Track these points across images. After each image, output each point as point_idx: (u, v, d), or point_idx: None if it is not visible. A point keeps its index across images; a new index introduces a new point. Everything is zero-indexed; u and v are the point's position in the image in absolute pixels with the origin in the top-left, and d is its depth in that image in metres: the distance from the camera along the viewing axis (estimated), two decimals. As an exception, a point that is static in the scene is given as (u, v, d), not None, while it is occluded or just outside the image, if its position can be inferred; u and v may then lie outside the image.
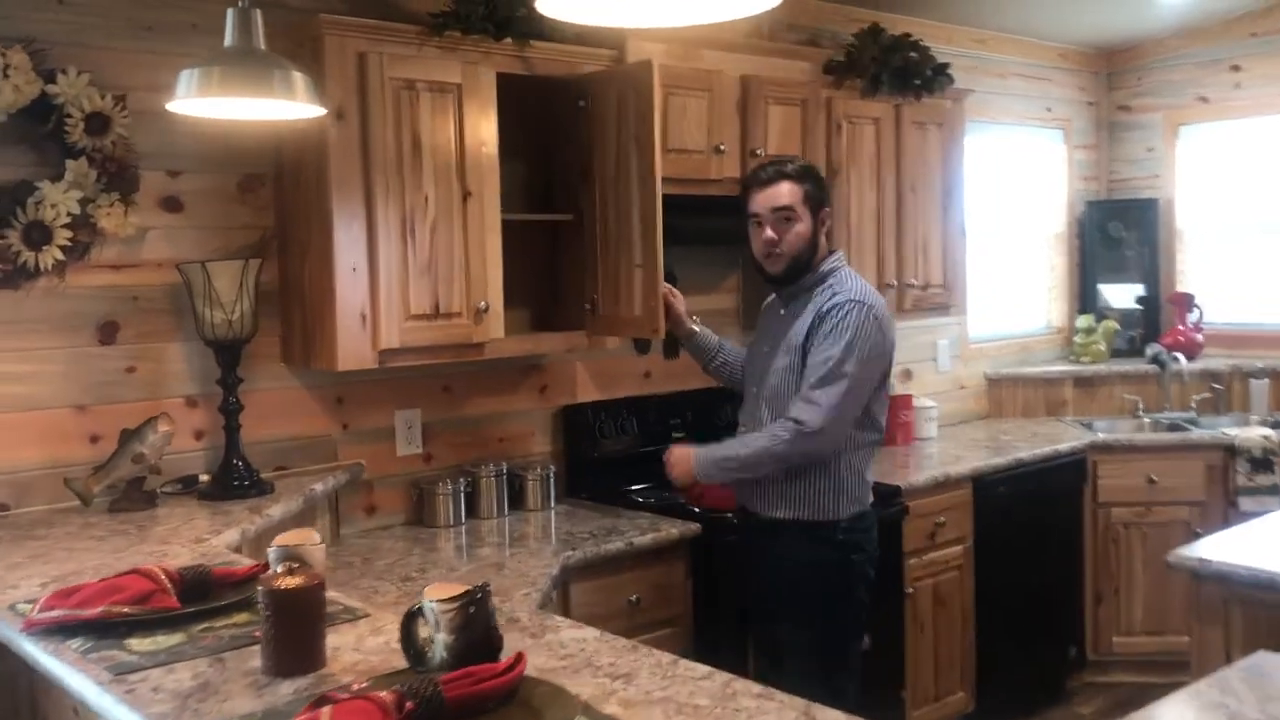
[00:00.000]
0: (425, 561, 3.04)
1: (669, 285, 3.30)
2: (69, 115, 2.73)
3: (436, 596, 1.53)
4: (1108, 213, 5.80)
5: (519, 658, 1.50)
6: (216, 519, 2.67)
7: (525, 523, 3.48)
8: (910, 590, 3.96)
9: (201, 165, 3.05)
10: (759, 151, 3.75)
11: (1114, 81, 5.89)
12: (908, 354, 4.98)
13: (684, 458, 3.05)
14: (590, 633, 2.37)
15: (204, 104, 2.13)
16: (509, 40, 3.20)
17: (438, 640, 1.53)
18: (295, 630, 1.61)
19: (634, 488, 3.76)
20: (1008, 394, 5.38)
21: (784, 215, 2.93)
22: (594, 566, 3.12)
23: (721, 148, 3.65)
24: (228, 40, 2.12)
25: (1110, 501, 4.71)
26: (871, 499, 3.07)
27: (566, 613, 3.06)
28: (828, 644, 2.96)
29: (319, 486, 3.07)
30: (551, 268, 3.70)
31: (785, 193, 2.93)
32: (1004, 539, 4.32)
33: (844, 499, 2.95)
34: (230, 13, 2.12)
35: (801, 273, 2.97)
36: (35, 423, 2.84)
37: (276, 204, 3.18)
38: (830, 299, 2.89)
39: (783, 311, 3.04)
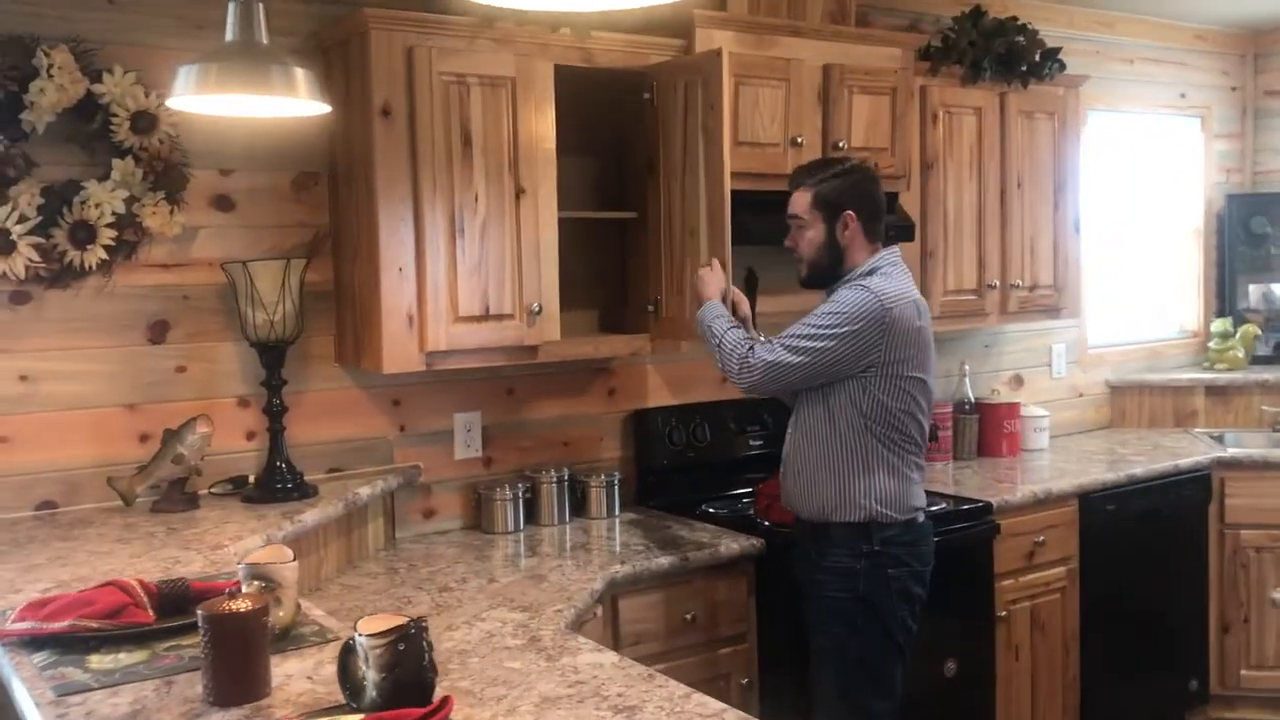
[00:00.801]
0: (470, 570, 2.95)
1: (736, 289, 3.15)
2: (114, 114, 2.73)
3: (367, 631, 1.41)
4: (1251, 207, 5.35)
5: (445, 702, 1.37)
6: (249, 523, 2.63)
7: (585, 532, 3.36)
8: (1003, 614, 3.69)
9: (254, 164, 3.03)
10: (841, 144, 3.53)
11: (1260, 64, 5.43)
12: (1017, 359, 4.68)
13: (712, 287, 2.96)
14: (609, 657, 2.24)
15: (202, 101, 2.06)
16: (566, 31, 3.07)
17: (368, 677, 1.41)
18: (234, 657, 1.52)
19: (706, 498, 3.61)
20: (1131, 403, 5.01)
21: (797, 223, 2.86)
22: (644, 581, 2.98)
23: (799, 140, 3.45)
24: (228, 34, 2.05)
25: (1240, 523, 4.32)
26: (921, 509, 2.89)
27: (615, 629, 2.94)
28: (853, 659, 2.81)
29: (365, 491, 3.00)
30: (621, 267, 3.57)
31: (795, 200, 2.87)
32: (1115, 561, 4.01)
33: (877, 498, 2.78)
34: (231, 6, 2.05)
35: (827, 278, 2.86)
36: (85, 421, 2.85)
37: (331, 202, 3.14)
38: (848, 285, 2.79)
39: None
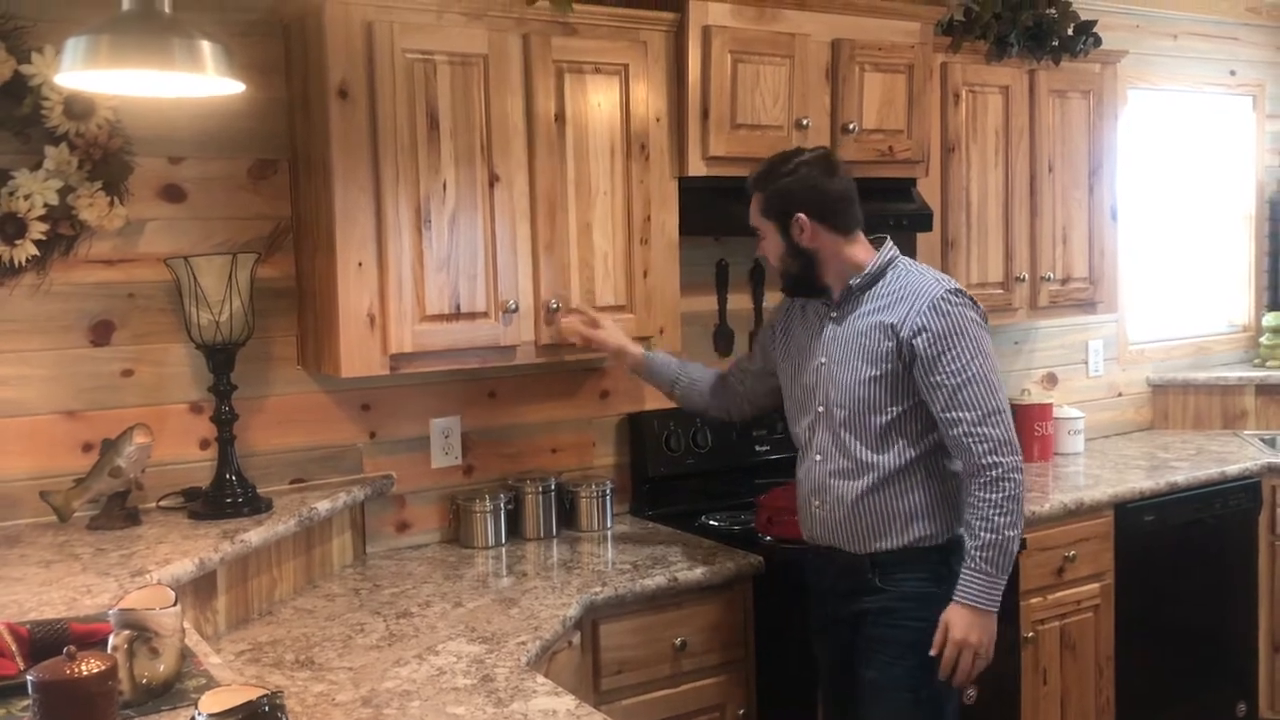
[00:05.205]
0: (436, 592, 2.71)
1: (584, 309, 2.88)
2: (46, 98, 2.51)
3: (209, 709, 1.17)
4: (1307, 192, 4.98)
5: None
6: (184, 544, 2.41)
7: (571, 547, 3.11)
8: (1029, 634, 3.41)
9: (207, 150, 2.80)
10: (852, 126, 3.26)
11: (1318, 39, 5.05)
12: (1050, 357, 4.37)
13: (964, 616, 2.42)
14: (565, 703, 2.01)
15: (94, 77, 1.83)
16: (545, 4, 2.81)
17: (213, 763, 1.18)
18: (72, 731, 1.29)
19: (707, 508, 3.35)
20: (1175, 403, 4.68)
21: (758, 233, 2.63)
22: (628, 604, 2.73)
23: (804, 122, 3.17)
24: (125, 2, 1.81)
25: (1292, 535, 4.00)
26: None
27: (595, 657, 2.69)
28: (929, 693, 2.51)
29: (324, 505, 2.77)
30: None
31: (750, 209, 2.61)
32: (1154, 575, 3.72)
33: (953, 513, 2.52)
34: (128, -30, 1.82)
35: (809, 285, 2.60)
36: (20, 429, 2.64)
37: (292, 192, 2.90)
38: (918, 303, 2.46)
39: (834, 315, 2.59)
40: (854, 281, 2.54)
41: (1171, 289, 4.83)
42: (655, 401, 3.47)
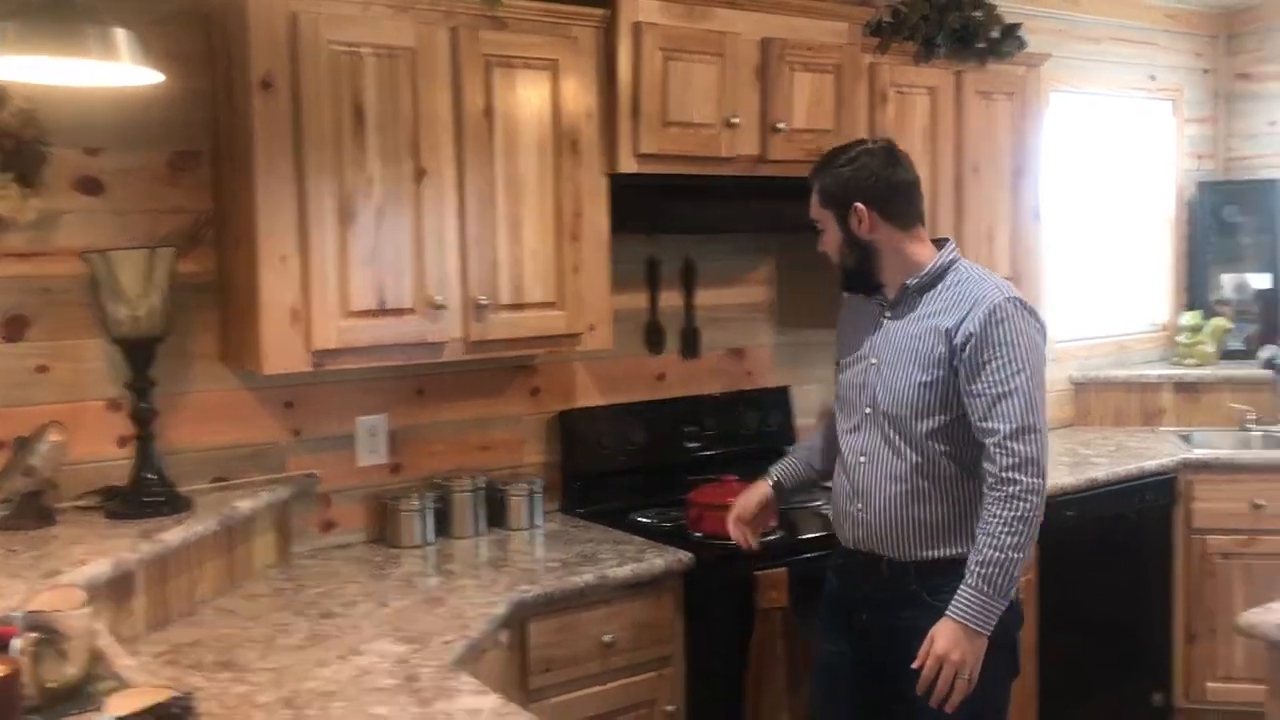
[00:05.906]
0: (362, 592, 2.67)
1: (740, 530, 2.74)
2: (-45, 86, 2.44)
3: (116, 712, 1.14)
4: (1223, 195, 5.11)
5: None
6: (100, 544, 2.35)
7: (500, 546, 3.09)
8: (954, 629, 3.44)
9: (125, 141, 2.73)
10: (781, 126, 3.27)
11: (1233, 45, 5.19)
12: (976, 354, 4.42)
13: (952, 632, 2.31)
14: (490, 701, 1.99)
15: (2, 64, 1.78)
16: (474, -3, 2.79)
17: (120, 768, 1.15)
18: (-25, 736, 1.25)
19: (639, 506, 3.35)
20: (1096, 400, 4.77)
21: (817, 227, 2.53)
22: (556, 602, 2.71)
23: (734, 121, 3.18)
24: (37, -12, 1.76)
25: (1206, 528, 4.09)
26: None
27: (523, 656, 2.68)
28: (986, 709, 2.44)
29: (245, 504, 2.73)
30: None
31: (811, 203, 2.52)
32: (1075, 569, 3.79)
33: None
34: (39, -46, 1.76)
35: (865, 280, 2.51)
36: (-71, 428, 2.57)
37: (214, 185, 2.85)
38: (975, 309, 2.36)
39: (889, 314, 2.50)
40: (910, 282, 2.45)
41: (1093, 289, 4.93)
42: (586, 399, 3.47)
